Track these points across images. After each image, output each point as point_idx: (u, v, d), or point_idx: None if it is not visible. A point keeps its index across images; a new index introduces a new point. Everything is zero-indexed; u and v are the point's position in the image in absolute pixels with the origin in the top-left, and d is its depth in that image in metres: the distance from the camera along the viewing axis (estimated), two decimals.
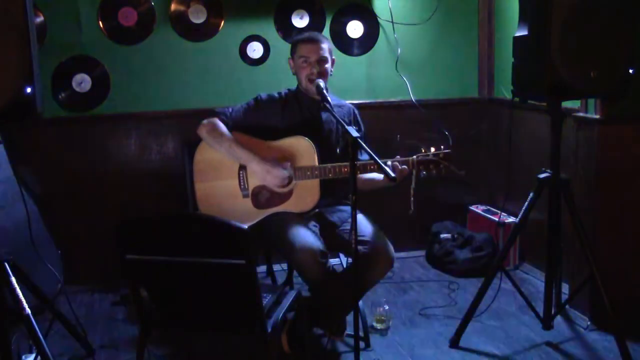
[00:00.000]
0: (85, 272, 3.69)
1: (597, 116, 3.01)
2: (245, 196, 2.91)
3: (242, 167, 2.90)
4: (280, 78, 3.60)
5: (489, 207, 4.17)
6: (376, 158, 2.29)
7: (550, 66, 2.50)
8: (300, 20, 3.83)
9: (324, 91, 2.71)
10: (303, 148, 2.85)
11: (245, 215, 2.86)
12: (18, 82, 2.20)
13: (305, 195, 2.85)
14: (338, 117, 2.43)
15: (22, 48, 2.20)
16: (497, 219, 3.89)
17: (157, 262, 2.10)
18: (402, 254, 4.10)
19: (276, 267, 3.63)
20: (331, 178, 2.81)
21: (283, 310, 2.34)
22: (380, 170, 2.29)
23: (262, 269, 3.54)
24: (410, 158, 2.77)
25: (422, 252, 4.16)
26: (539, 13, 2.52)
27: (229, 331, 2.67)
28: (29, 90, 2.23)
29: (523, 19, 2.63)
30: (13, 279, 2.40)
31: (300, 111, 2.99)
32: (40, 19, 3.48)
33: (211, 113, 2.95)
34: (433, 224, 4.13)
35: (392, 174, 2.25)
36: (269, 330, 2.18)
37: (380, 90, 4.01)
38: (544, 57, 2.51)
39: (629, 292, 3.05)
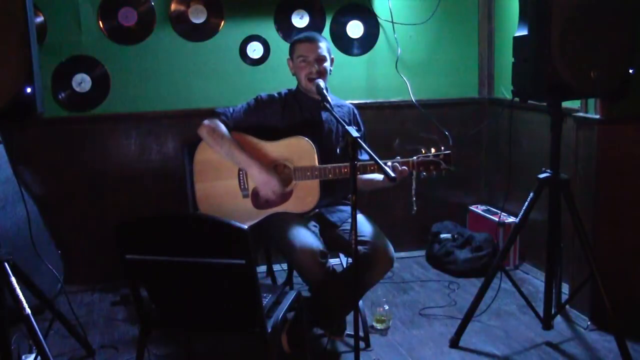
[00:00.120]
0: (85, 272, 3.69)
1: (597, 116, 3.01)
2: (245, 196, 2.91)
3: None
4: (280, 78, 3.60)
5: (489, 207, 4.18)
6: (376, 158, 2.29)
7: (550, 66, 2.50)
8: (300, 20, 3.83)
9: (324, 91, 2.71)
10: (303, 148, 2.85)
11: (245, 215, 2.86)
12: (18, 82, 2.21)
13: (305, 195, 2.85)
14: (338, 117, 2.43)
15: (22, 48, 2.20)
16: (497, 219, 3.89)
17: (157, 262, 2.10)
18: (402, 254, 4.10)
19: (276, 267, 3.63)
20: (331, 178, 2.81)
21: (283, 310, 2.34)
22: (380, 170, 2.29)
23: (262, 269, 3.55)
24: (410, 159, 2.77)
25: (422, 252, 4.16)
26: (539, 13, 2.52)
27: (229, 331, 2.67)
28: (29, 90, 2.23)
29: (523, 19, 2.63)
30: (13, 279, 2.40)
31: (301, 111, 2.99)
32: (40, 19, 3.48)
33: (211, 113, 2.95)
34: (433, 224, 4.13)
35: (392, 174, 2.24)
36: (269, 330, 2.17)
37: (380, 90, 4.01)
38: (544, 57, 2.51)
39: (629, 292, 3.05)
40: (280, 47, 3.78)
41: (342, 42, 3.91)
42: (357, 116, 3.12)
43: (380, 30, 3.96)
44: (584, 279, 2.83)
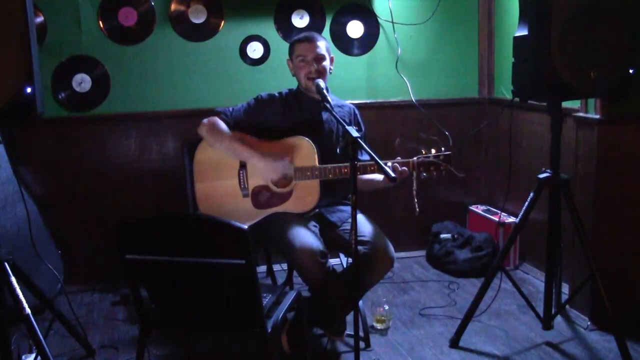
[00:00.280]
0: (85, 272, 3.69)
1: (597, 116, 3.01)
2: (245, 196, 2.91)
3: (242, 167, 2.90)
4: (280, 78, 3.60)
5: (489, 207, 4.18)
6: (376, 158, 2.29)
7: (550, 66, 2.50)
8: (300, 20, 3.83)
9: (324, 91, 2.71)
10: (303, 148, 2.85)
11: (245, 215, 2.86)
12: (18, 82, 2.21)
13: (305, 195, 2.86)
14: (338, 117, 2.43)
15: (22, 48, 2.20)
16: (497, 219, 3.89)
17: (157, 262, 2.10)
18: (402, 254, 4.10)
19: (276, 267, 3.63)
20: (331, 178, 2.81)
21: (283, 310, 2.34)
22: (380, 170, 2.29)
23: (262, 269, 3.55)
24: (411, 160, 2.77)
25: (422, 252, 4.16)
26: (539, 13, 2.52)
27: (229, 331, 2.67)
28: (29, 90, 2.23)
29: (523, 19, 2.63)
30: (13, 279, 2.40)
31: (301, 111, 2.99)
32: (40, 19, 3.48)
33: (212, 113, 2.95)
34: (433, 224, 4.13)
35: (392, 174, 2.24)
36: (269, 330, 2.18)
37: (380, 90, 4.01)
38: (544, 57, 2.51)
39: (629, 292, 3.05)
40: (280, 47, 3.78)
41: (342, 42, 3.91)
42: (358, 116, 3.12)
43: (380, 30, 3.96)
44: (584, 279, 2.83)
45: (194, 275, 2.11)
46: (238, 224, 1.99)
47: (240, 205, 2.90)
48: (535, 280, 3.72)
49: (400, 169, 2.71)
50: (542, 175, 2.81)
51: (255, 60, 3.81)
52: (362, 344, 2.92)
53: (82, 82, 3.62)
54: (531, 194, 2.82)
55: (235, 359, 2.92)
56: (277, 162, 2.82)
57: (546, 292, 2.93)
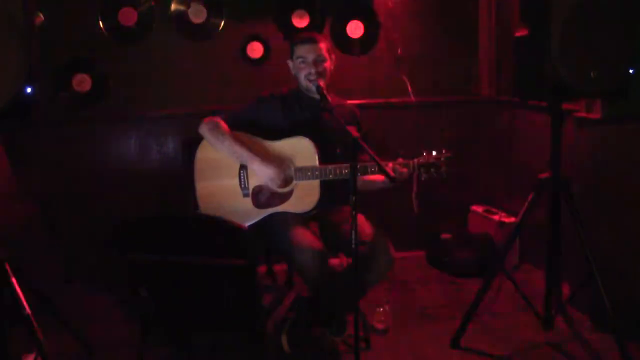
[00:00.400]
0: (85, 272, 3.69)
1: (597, 116, 3.01)
2: (245, 195, 2.91)
3: (243, 167, 2.90)
4: (280, 78, 3.59)
5: (489, 207, 4.17)
6: (376, 158, 2.29)
7: (550, 66, 2.50)
8: (300, 20, 3.83)
9: (324, 91, 2.71)
10: (304, 148, 2.85)
11: (245, 215, 2.86)
12: (18, 82, 2.21)
13: (306, 195, 2.85)
14: (338, 117, 2.43)
15: (22, 48, 2.20)
16: (497, 219, 3.89)
17: (157, 261, 2.10)
18: (402, 254, 4.10)
19: (276, 267, 3.63)
20: (331, 179, 2.81)
21: (283, 311, 2.33)
22: (381, 170, 2.29)
23: (262, 269, 3.54)
24: (411, 161, 2.77)
25: (422, 252, 4.16)
26: (539, 13, 2.52)
27: (229, 331, 2.67)
28: (29, 90, 2.23)
29: (523, 19, 2.63)
30: (13, 279, 2.40)
31: (301, 111, 2.99)
32: (40, 19, 3.48)
33: (212, 112, 2.95)
34: (433, 224, 4.13)
35: (392, 175, 2.24)
36: (269, 330, 2.17)
37: (380, 90, 4.01)
38: (544, 57, 2.51)
39: (629, 292, 3.05)
40: (280, 47, 3.77)
41: (342, 42, 3.91)
42: (359, 116, 3.12)
43: (381, 30, 3.96)
44: (584, 279, 2.83)
45: (194, 275, 2.11)
46: (238, 224, 1.99)
47: (241, 205, 2.90)
48: (535, 280, 3.72)
49: (400, 170, 2.71)
50: (542, 176, 2.81)
51: (255, 60, 3.81)
52: (362, 344, 2.92)
53: (82, 82, 3.62)
54: (531, 194, 2.82)
55: (235, 359, 2.92)
56: (277, 168, 2.81)
57: (546, 292, 2.93)
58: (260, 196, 2.90)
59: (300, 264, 2.64)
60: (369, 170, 2.78)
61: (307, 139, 2.85)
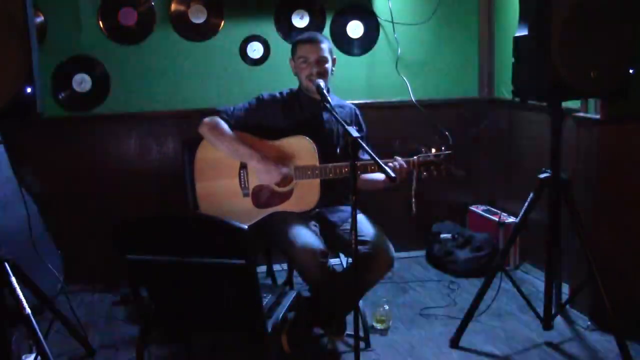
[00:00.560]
0: (85, 272, 3.69)
1: (597, 116, 3.01)
2: (245, 195, 2.91)
3: (243, 166, 2.90)
4: (280, 78, 3.60)
5: (489, 207, 4.17)
6: (376, 158, 2.29)
7: (550, 66, 2.50)
8: (300, 20, 3.83)
9: (324, 91, 2.72)
10: (304, 148, 2.85)
11: (246, 215, 2.86)
12: (18, 82, 2.21)
13: (306, 194, 2.85)
14: (338, 117, 2.43)
15: (22, 48, 2.20)
16: (497, 219, 3.89)
17: (157, 262, 2.10)
18: (402, 254, 4.10)
19: (276, 267, 3.63)
20: (332, 178, 2.81)
21: (283, 310, 2.34)
22: (381, 170, 2.29)
23: (262, 269, 3.54)
24: (411, 159, 2.77)
25: (422, 252, 4.16)
26: (539, 13, 2.52)
27: (229, 331, 2.67)
28: (29, 90, 2.23)
29: (523, 19, 2.63)
30: (13, 279, 2.40)
31: (301, 111, 2.99)
32: (40, 19, 3.48)
33: (212, 112, 2.95)
34: (433, 224, 4.14)
35: (392, 174, 2.25)
36: (269, 330, 2.17)
37: (380, 90, 4.01)
38: (544, 57, 2.51)
39: (629, 292, 3.05)
40: (280, 47, 3.78)
41: (342, 42, 3.91)
42: (359, 116, 3.12)
43: (380, 30, 3.96)
44: (584, 279, 2.83)
45: (194, 275, 2.11)
46: (238, 224, 1.99)
47: (241, 205, 2.90)
48: (535, 280, 3.72)
49: (399, 168, 2.71)
50: (542, 175, 2.81)
51: (255, 60, 3.81)
52: (362, 344, 2.92)
53: (82, 82, 3.62)
54: (531, 194, 2.82)
55: (235, 359, 2.92)
56: (277, 166, 2.81)
57: (546, 292, 2.93)
58: (261, 196, 2.90)
59: (300, 263, 2.64)
60: (368, 169, 2.78)
61: (307, 138, 2.85)
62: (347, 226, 2.86)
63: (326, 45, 2.95)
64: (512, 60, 2.70)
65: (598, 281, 2.70)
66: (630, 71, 2.59)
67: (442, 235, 4.03)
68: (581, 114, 3.10)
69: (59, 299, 3.24)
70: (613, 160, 3.02)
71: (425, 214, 3.87)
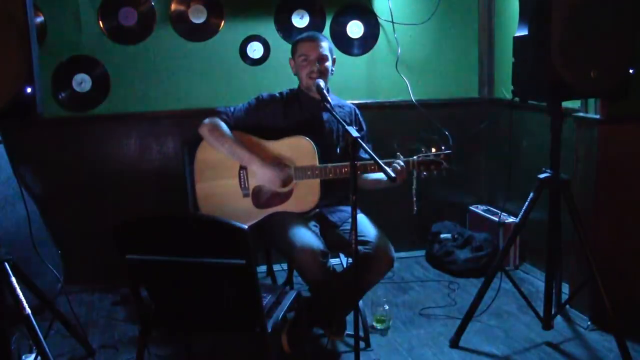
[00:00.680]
0: (85, 272, 3.69)
1: (597, 116, 3.01)
2: (245, 195, 2.91)
3: (243, 167, 2.90)
4: (280, 78, 3.60)
5: (489, 207, 4.17)
6: (376, 158, 2.29)
7: (550, 66, 2.50)
8: (300, 20, 3.83)
9: (324, 91, 2.72)
10: (304, 148, 2.85)
11: (246, 215, 2.86)
12: (18, 82, 2.21)
13: (306, 195, 2.86)
14: (338, 117, 2.43)
15: (22, 48, 2.20)
16: (497, 219, 3.89)
17: (157, 262, 2.10)
18: (402, 254, 4.10)
19: (276, 267, 3.63)
20: (331, 178, 2.81)
21: (283, 310, 2.34)
22: (381, 170, 2.29)
23: (262, 269, 3.55)
24: (411, 159, 2.77)
25: (422, 252, 4.16)
26: (539, 13, 2.52)
27: (229, 331, 2.67)
28: (29, 90, 2.23)
29: (523, 19, 2.63)
30: (13, 279, 2.40)
31: (301, 111, 2.99)
32: (40, 19, 3.48)
33: (212, 112, 2.95)
34: (433, 224, 4.14)
35: (392, 174, 2.25)
36: (269, 330, 2.17)
37: (380, 90, 4.01)
38: (544, 57, 2.51)
39: (629, 292, 3.05)
40: (281, 47, 3.78)
41: (342, 42, 3.91)
42: (359, 117, 3.12)
43: (380, 30, 3.96)
44: (584, 279, 2.83)
45: (194, 275, 2.11)
46: (238, 224, 1.99)
47: (241, 205, 2.90)
48: (535, 280, 3.72)
49: (399, 168, 2.71)
50: (542, 175, 2.81)
51: (255, 60, 3.81)
52: (362, 344, 2.92)
53: (82, 82, 3.62)
54: (531, 194, 2.82)
55: (235, 359, 2.92)
56: (276, 171, 2.81)
57: (546, 292, 2.93)
58: (261, 196, 2.90)
59: (300, 263, 2.64)
60: (368, 169, 2.78)
61: (307, 138, 2.85)
62: (347, 226, 2.86)
63: (327, 44, 2.96)
64: (512, 60, 2.70)
65: (598, 281, 2.70)
66: (630, 71, 2.60)
67: (442, 235, 4.03)
68: (581, 114, 3.10)
69: (59, 299, 3.25)
70: (613, 160, 3.02)
71: (425, 214, 3.87)
